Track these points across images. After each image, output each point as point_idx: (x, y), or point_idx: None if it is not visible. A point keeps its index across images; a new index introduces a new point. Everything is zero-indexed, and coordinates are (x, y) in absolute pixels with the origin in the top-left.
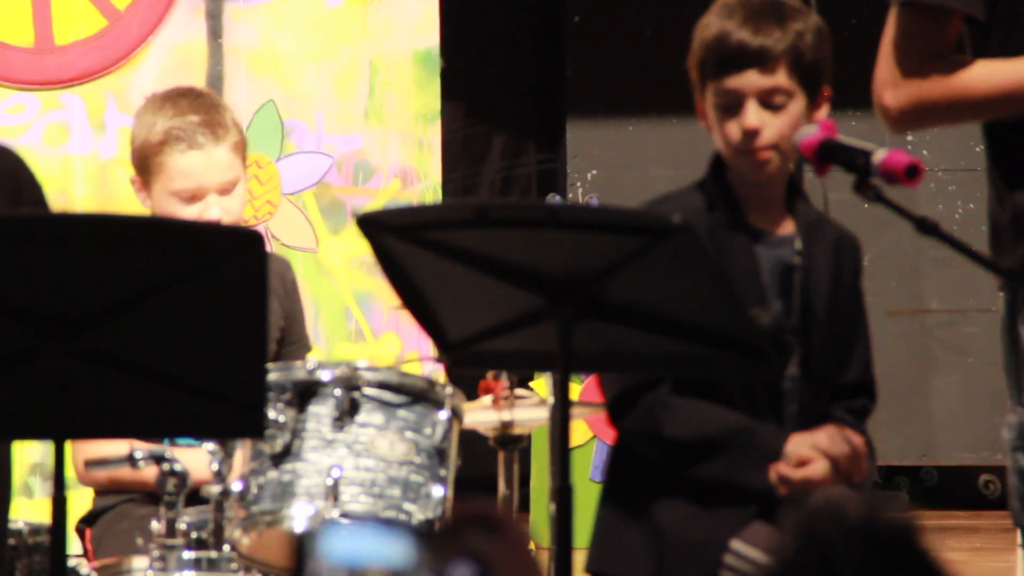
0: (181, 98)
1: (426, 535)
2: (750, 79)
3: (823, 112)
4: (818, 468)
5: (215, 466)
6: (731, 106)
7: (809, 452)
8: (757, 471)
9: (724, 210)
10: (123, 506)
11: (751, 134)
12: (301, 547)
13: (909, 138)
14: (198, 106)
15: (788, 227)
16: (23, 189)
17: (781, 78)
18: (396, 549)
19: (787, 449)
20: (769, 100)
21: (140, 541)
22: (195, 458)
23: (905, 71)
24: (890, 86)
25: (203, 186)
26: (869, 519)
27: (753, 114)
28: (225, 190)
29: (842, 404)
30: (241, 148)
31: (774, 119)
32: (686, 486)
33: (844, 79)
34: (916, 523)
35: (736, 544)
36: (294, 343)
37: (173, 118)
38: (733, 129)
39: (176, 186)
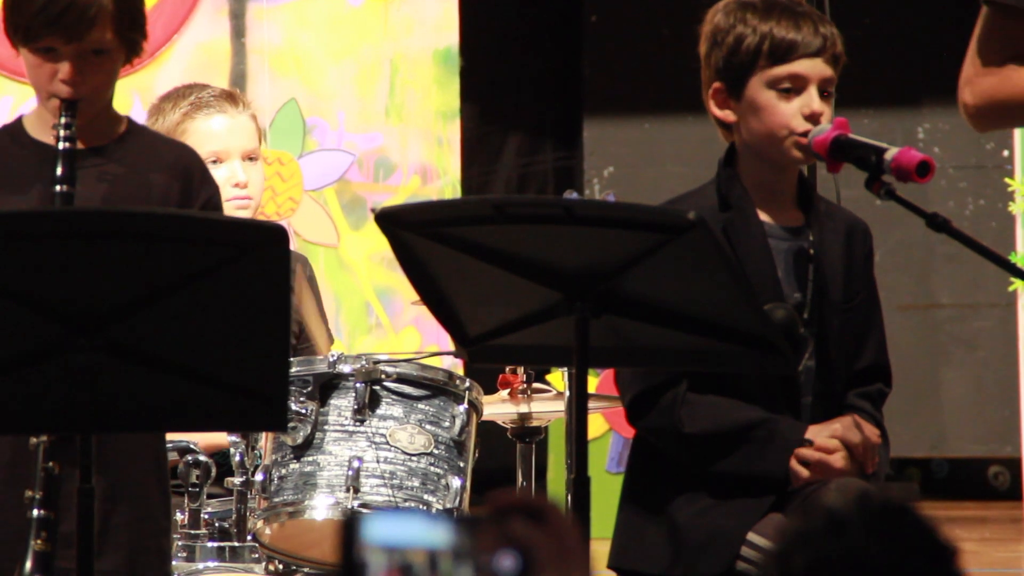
0: (194, 85)
1: (469, 523)
2: (818, 66)
3: None
4: (836, 456)
5: (236, 457)
6: (790, 91)
7: (827, 440)
8: (777, 461)
9: (736, 206)
10: None
11: (815, 117)
12: (344, 533)
13: (920, 136)
14: (213, 87)
15: (799, 218)
16: (193, 188)
17: (835, 71)
18: (439, 536)
19: (807, 436)
20: (825, 89)
21: None
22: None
23: (984, 69)
24: (969, 83)
25: (228, 149)
26: (868, 490)
27: (817, 99)
28: (249, 158)
29: (858, 390)
30: (258, 126)
31: (826, 109)
32: (705, 480)
33: (857, 78)
34: (914, 498)
35: (752, 536)
36: (312, 339)
37: (194, 95)
38: (792, 112)
39: (204, 149)
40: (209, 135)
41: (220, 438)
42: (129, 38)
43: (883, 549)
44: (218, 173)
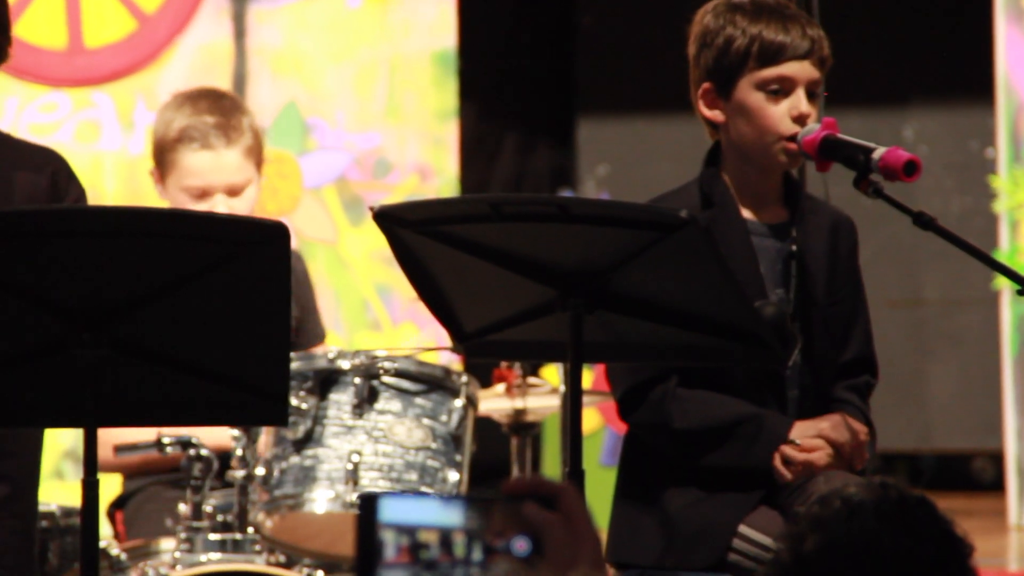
0: (201, 99)
1: (482, 505)
2: (806, 68)
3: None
4: (821, 455)
5: (239, 451)
6: (778, 92)
7: (813, 440)
8: (763, 457)
9: (719, 204)
10: (151, 489)
11: (803, 119)
12: (361, 512)
13: (907, 135)
14: (216, 108)
15: (783, 216)
16: (60, 184)
17: (822, 73)
18: (453, 518)
19: (792, 435)
20: (812, 91)
21: (168, 522)
22: (215, 431)
23: None
24: None
25: (211, 185)
26: (886, 482)
27: (805, 101)
28: (233, 191)
29: (844, 382)
30: (255, 152)
31: (813, 110)
32: (696, 474)
33: (845, 78)
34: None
35: (743, 528)
36: (308, 332)
37: (190, 117)
38: (780, 115)
39: (186, 183)
40: (191, 171)
41: (224, 439)
42: None
43: (895, 536)
44: (197, 207)
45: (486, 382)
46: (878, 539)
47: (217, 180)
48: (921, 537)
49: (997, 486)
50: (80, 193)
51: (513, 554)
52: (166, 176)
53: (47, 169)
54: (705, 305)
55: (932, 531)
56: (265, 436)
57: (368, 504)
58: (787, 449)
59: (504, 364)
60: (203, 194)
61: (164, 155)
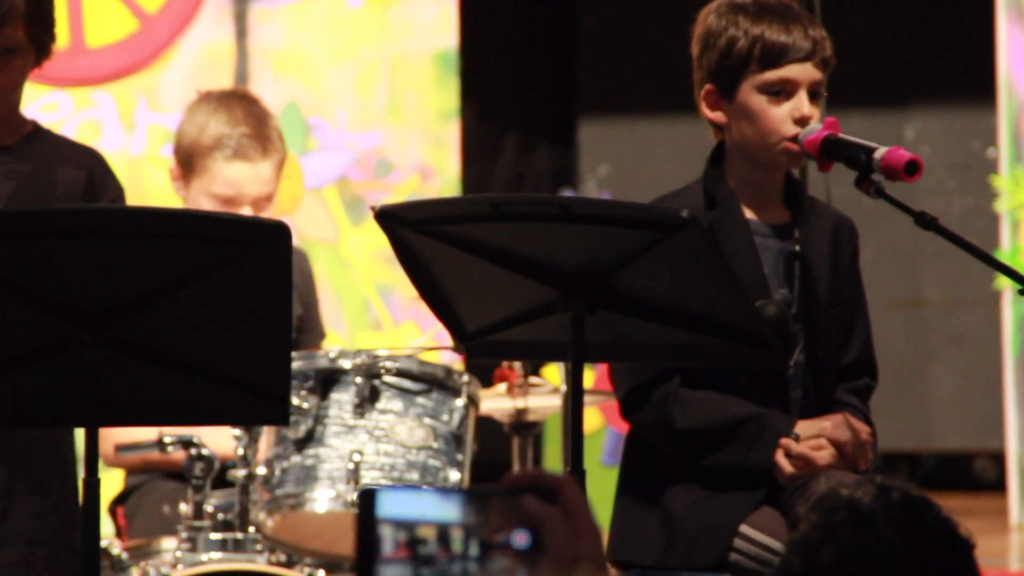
0: (236, 105)
1: (479, 499)
2: (808, 70)
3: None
4: (823, 454)
5: (240, 451)
6: (780, 94)
7: (816, 440)
8: (766, 456)
9: (722, 205)
10: (152, 483)
11: (805, 121)
12: (360, 507)
13: (908, 135)
14: (251, 115)
15: (786, 216)
16: (97, 181)
17: (824, 74)
18: (452, 512)
19: (795, 432)
20: (815, 92)
21: (167, 509)
22: (219, 437)
23: None
24: None
25: (242, 195)
26: (888, 484)
27: (807, 103)
28: (259, 204)
29: (845, 384)
30: (281, 166)
31: (815, 111)
32: (698, 473)
33: (846, 78)
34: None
35: (745, 528)
36: (310, 330)
37: (227, 124)
38: (782, 117)
39: (216, 191)
40: (225, 181)
41: (226, 448)
42: (40, 39)
43: (909, 542)
44: None
45: (487, 382)
46: (894, 549)
47: (248, 191)
48: (935, 545)
49: (998, 486)
50: (118, 191)
51: (513, 547)
52: (192, 179)
53: (85, 166)
54: (706, 305)
55: (943, 536)
56: (266, 436)
57: (367, 499)
58: (788, 441)
59: (505, 364)
60: (230, 202)
61: (194, 159)
